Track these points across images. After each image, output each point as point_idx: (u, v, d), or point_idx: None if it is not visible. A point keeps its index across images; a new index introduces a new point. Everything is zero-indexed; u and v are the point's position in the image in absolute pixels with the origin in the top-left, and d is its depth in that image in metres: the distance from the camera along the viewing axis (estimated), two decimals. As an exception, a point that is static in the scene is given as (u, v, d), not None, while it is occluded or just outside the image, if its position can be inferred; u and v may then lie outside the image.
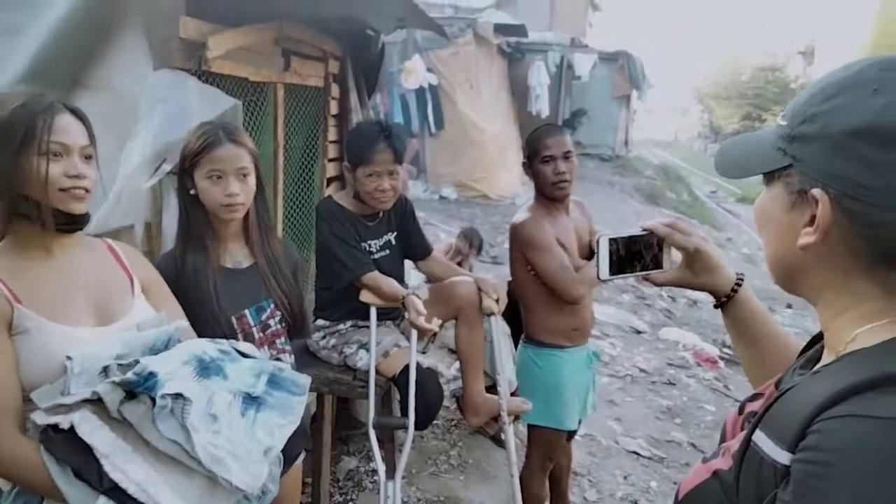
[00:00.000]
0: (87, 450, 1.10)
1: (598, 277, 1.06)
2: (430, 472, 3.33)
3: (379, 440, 2.36)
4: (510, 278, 2.58)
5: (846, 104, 0.68)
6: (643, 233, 1.05)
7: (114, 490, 1.09)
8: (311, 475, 2.94)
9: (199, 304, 1.68)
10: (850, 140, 0.66)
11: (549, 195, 2.38)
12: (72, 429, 1.11)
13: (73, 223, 1.26)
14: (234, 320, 1.76)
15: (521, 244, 2.38)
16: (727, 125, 39.04)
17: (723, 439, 0.88)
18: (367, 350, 2.36)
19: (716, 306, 1.06)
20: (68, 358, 1.18)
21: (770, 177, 0.77)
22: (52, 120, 1.20)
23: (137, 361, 1.16)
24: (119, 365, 1.17)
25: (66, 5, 2.11)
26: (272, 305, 1.85)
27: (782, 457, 0.65)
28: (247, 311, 1.80)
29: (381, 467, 2.27)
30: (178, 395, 1.13)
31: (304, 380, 1.37)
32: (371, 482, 3.18)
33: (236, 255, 1.83)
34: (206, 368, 1.20)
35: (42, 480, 1.13)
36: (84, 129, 1.27)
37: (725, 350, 5.77)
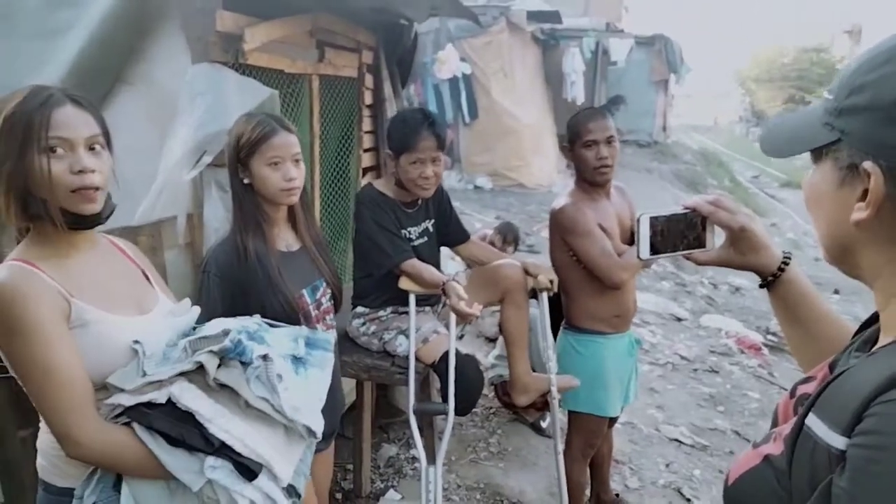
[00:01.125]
0: (187, 418, 1.18)
1: (638, 257, 1.04)
2: (470, 460, 3.34)
3: (419, 427, 2.38)
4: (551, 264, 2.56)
5: (895, 72, 0.65)
6: (686, 211, 1.03)
7: (220, 449, 1.19)
8: (353, 461, 2.98)
9: (267, 287, 1.75)
10: None
11: (591, 180, 2.35)
12: (169, 401, 1.18)
13: (85, 223, 1.24)
14: (295, 299, 1.82)
15: (562, 229, 2.36)
16: (769, 108, 37.99)
17: (774, 423, 0.85)
18: (407, 336, 2.38)
19: (762, 286, 1.03)
20: (136, 342, 1.24)
21: (818, 154, 0.75)
22: (50, 114, 1.15)
23: (228, 331, 1.26)
24: (196, 340, 1.27)
25: (108, 4, 2.17)
26: (325, 284, 1.94)
27: (837, 441, 0.63)
28: (304, 291, 1.86)
29: (422, 453, 2.28)
30: (264, 357, 1.25)
31: (332, 336, 1.52)
32: (412, 469, 3.21)
33: (287, 239, 1.89)
34: (253, 338, 1.29)
35: (137, 456, 1.18)
36: (90, 118, 1.21)
37: (770, 337, 5.64)
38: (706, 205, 1.02)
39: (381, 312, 2.50)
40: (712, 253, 1.05)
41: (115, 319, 1.26)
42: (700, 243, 1.05)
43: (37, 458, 1.32)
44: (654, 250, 1.04)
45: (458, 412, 2.28)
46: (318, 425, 1.32)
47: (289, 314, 1.75)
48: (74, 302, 1.20)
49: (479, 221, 7.38)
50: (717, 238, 1.05)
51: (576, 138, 2.34)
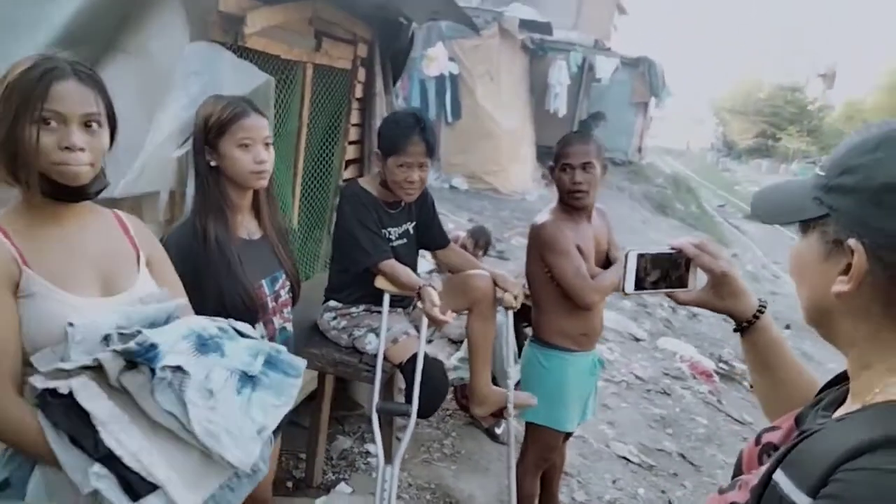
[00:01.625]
0: (84, 416, 1.10)
1: (623, 290, 1.09)
2: (423, 459, 3.37)
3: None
4: (524, 279, 2.60)
5: (886, 158, 0.70)
6: (672, 251, 1.08)
7: (108, 458, 1.09)
8: (306, 451, 2.99)
9: (226, 273, 1.71)
10: (888, 194, 0.69)
11: (567, 203, 2.40)
12: (70, 394, 1.11)
13: (65, 194, 1.22)
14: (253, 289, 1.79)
15: (540, 245, 2.40)
16: (741, 140, 38.94)
17: (738, 469, 0.90)
18: (377, 335, 2.39)
19: (735, 330, 1.08)
20: (70, 324, 1.17)
21: (806, 225, 0.80)
22: (49, 86, 1.14)
23: (139, 332, 1.15)
24: (120, 335, 1.16)
25: (105, -31, 2.13)
26: (284, 276, 1.91)
27: (803, 500, 0.66)
28: (263, 282, 1.84)
29: (381, 452, 2.30)
30: (177, 368, 1.12)
31: (301, 363, 1.36)
32: (364, 463, 3.23)
33: (249, 227, 1.86)
34: (204, 345, 1.20)
35: (37, 444, 1.13)
36: (92, 95, 1.20)
37: (721, 364, 5.81)
38: (692, 247, 1.07)
39: (354, 309, 2.51)
40: (693, 294, 1.09)
41: (64, 297, 1.21)
42: (682, 283, 1.09)
43: None
44: (639, 286, 1.08)
45: (420, 414, 2.31)
46: (243, 456, 1.15)
47: (246, 304, 1.72)
48: (25, 271, 1.18)
49: (452, 222, 7.41)
50: (699, 280, 1.09)
51: (556, 160, 2.39)
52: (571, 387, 2.52)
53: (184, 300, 1.39)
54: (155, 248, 1.46)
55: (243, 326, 1.37)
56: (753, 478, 0.77)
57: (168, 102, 2.10)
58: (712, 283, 1.07)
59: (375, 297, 2.42)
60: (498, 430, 3.70)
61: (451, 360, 3.94)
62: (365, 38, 3.45)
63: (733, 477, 0.88)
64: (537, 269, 2.47)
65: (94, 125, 1.20)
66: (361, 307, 2.49)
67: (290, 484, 2.98)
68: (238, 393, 1.19)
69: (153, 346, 1.12)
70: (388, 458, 2.33)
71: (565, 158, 2.34)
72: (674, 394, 4.94)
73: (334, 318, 2.51)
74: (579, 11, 15.77)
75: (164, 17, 2.25)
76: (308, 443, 2.95)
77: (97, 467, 1.08)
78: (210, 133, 1.73)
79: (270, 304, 1.85)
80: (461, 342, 4.28)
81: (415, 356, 2.34)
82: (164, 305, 1.31)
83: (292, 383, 1.30)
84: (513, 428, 2.52)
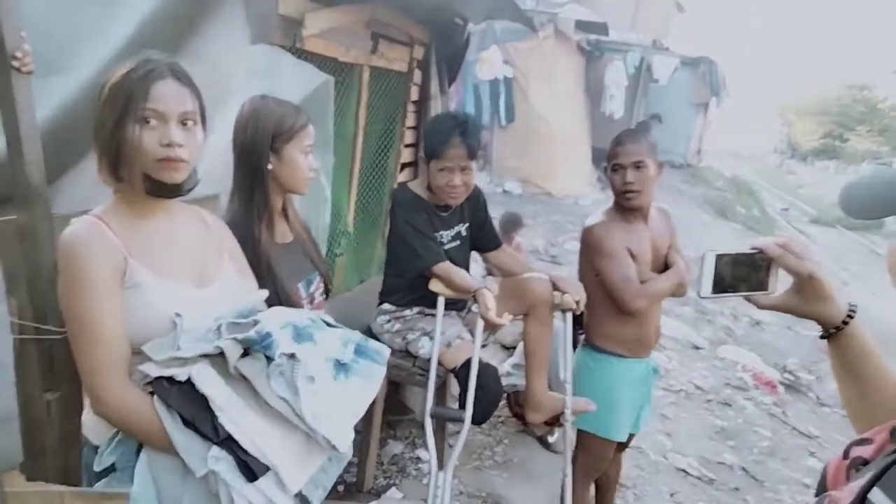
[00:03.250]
0: (201, 402, 1.15)
1: (698, 293, 1.02)
2: (474, 467, 3.33)
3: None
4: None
5: None
6: (753, 252, 1.01)
7: (226, 441, 1.14)
8: (358, 455, 2.98)
9: (270, 278, 1.67)
10: None
11: (619, 203, 2.32)
12: (188, 381, 1.15)
13: (164, 191, 1.27)
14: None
15: (589, 248, 2.34)
16: (806, 141, 37.51)
17: (823, 485, 0.83)
18: (431, 338, 2.37)
19: (823, 336, 1.01)
20: (177, 315, 1.22)
21: None
22: (150, 86, 1.20)
23: (256, 321, 1.21)
24: (231, 324, 1.21)
25: (170, -24, 2.17)
26: (318, 278, 1.89)
27: None
28: (300, 285, 1.82)
29: (433, 458, 2.27)
30: (291, 356, 1.18)
31: (386, 350, 1.41)
32: (415, 469, 3.20)
33: (283, 230, 1.85)
34: (300, 334, 1.24)
35: (153, 429, 1.16)
36: (187, 94, 1.25)
37: (787, 375, 5.56)
38: (775, 247, 0.99)
39: (407, 312, 2.49)
40: (775, 297, 1.02)
41: (166, 287, 1.26)
42: (763, 286, 1.02)
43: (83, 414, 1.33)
44: (716, 289, 1.01)
45: (474, 421, 2.27)
46: (343, 438, 1.22)
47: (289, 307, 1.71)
48: (131, 262, 1.23)
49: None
50: (781, 282, 1.02)
51: (608, 160, 2.32)
52: (622, 394, 2.44)
53: (265, 292, 1.43)
54: (232, 242, 1.51)
55: (328, 317, 1.41)
56: (845, 495, 0.71)
57: (229, 105, 2.13)
58: (797, 285, 0.99)
59: (429, 300, 2.39)
60: (551, 439, 3.63)
61: (504, 365, 3.88)
62: (421, 41, 3.44)
63: (817, 493, 0.82)
64: (588, 272, 2.41)
65: (190, 123, 1.26)
66: (415, 310, 2.47)
67: (340, 488, 2.98)
68: (334, 379, 1.24)
69: (269, 335, 1.18)
70: (441, 465, 2.30)
71: (616, 158, 2.27)
72: (735, 405, 4.75)
73: (388, 321, 2.50)
74: (636, 11, 15.48)
75: (224, 21, 2.29)
76: (360, 447, 2.95)
77: (216, 450, 1.13)
78: (281, 136, 1.71)
79: (307, 307, 1.84)
80: (514, 348, 4.21)
81: (469, 361, 2.30)
82: (251, 297, 1.37)
83: (380, 369, 1.35)
84: (570, 436, 2.45)
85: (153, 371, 1.18)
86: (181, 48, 2.31)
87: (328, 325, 1.36)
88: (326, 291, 1.95)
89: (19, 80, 1.54)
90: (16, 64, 1.53)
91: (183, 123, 1.24)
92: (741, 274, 1.01)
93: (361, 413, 1.27)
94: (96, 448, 1.28)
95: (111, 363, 1.18)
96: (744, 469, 3.88)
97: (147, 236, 1.28)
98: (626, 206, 2.31)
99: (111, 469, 1.23)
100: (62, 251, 1.20)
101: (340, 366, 1.27)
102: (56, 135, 2.09)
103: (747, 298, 1.04)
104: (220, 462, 1.13)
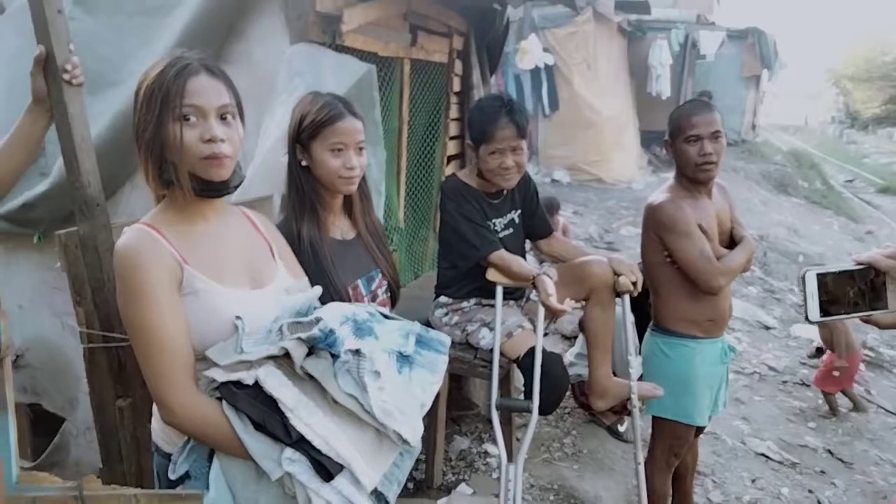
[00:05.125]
0: (270, 404, 1.13)
1: (806, 318, 0.93)
2: (543, 459, 3.27)
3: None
4: (639, 261, 2.44)
5: None
6: (859, 267, 0.92)
7: (299, 442, 1.12)
8: (425, 452, 2.96)
9: (318, 275, 1.64)
10: None
11: (692, 177, 2.21)
12: (256, 384, 1.14)
13: (213, 189, 1.24)
14: (349, 290, 1.75)
15: (659, 226, 2.24)
16: (866, 109, 35.82)
17: None
18: (491, 329, 2.31)
19: None
20: (238, 318, 1.20)
21: None
22: (185, 83, 1.17)
23: (319, 319, 1.18)
24: (293, 324, 1.19)
25: (210, -18, 2.20)
26: (380, 275, 1.85)
27: None
28: (359, 282, 1.79)
29: (503, 450, 2.22)
30: (357, 352, 1.15)
31: (447, 339, 1.35)
32: (483, 464, 3.16)
33: (342, 227, 1.81)
34: (360, 329, 1.21)
35: (223, 434, 1.15)
36: (223, 88, 1.22)
37: (866, 352, 5.27)
38: (884, 259, 0.92)
39: (465, 303, 2.44)
40: None
41: (224, 291, 1.24)
42: (879, 303, 0.94)
43: (152, 422, 1.34)
44: (825, 311, 0.92)
45: (541, 411, 2.20)
46: (413, 432, 1.19)
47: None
48: (187, 269, 1.21)
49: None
50: None
51: (678, 132, 2.20)
52: (699, 377, 2.34)
53: (319, 288, 1.39)
54: (281, 241, 1.48)
55: (385, 310, 1.38)
56: None
57: (274, 106, 2.13)
58: None
59: (486, 291, 2.34)
60: (621, 428, 3.53)
61: (567, 355, 3.80)
62: (460, 30, 3.40)
63: None
64: (655, 252, 2.31)
65: (229, 117, 1.23)
66: (472, 301, 2.42)
67: (410, 485, 2.96)
68: (399, 372, 1.21)
69: (332, 332, 1.15)
70: (510, 458, 2.24)
71: (692, 129, 2.16)
72: (814, 385, 4.53)
73: (446, 313, 2.46)
74: (678, -13, 15.04)
75: (264, 23, 2.30)
76: (427, 444, 2.92)
77: (289, 452, 1.11)
78: (303, 133, 1.69)
79: (368, 304, 1.81)
80: (575, 337, 4.12)
81: (532, 350, 2.23)
82: (306, 295, 1.34)
83: (443, 359, 1.31)
84: (638, 422, 2.36)
85: (219, 376, 1.16)
86: (223, 53, 2.34)
87: (386, 317, 1.33)
88: (391, 290, 1.90)
89: (71, 93, 1.57)
90: (66, 77, 1.55)
91: (222, 118, 1.21)
92: (850, 292, 0.93)
93: (429, 405, 1.24)
94: (167, 455, 1.28)
95: (176, 371, 1.17)
96: (829, 451, 3.70)
97: (199, 241, 1.26)
98: (702, 179, 2.21)
99: (185, 476, 1.23)
100: (117, 262, 1.19)
101: (404, 358, 1.23)
102: (110, 148, 2.14)
103: (865, 320, 0.94)
104: (294, 464, 1.11)
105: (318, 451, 1.12)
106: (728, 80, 13.00)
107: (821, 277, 0.92)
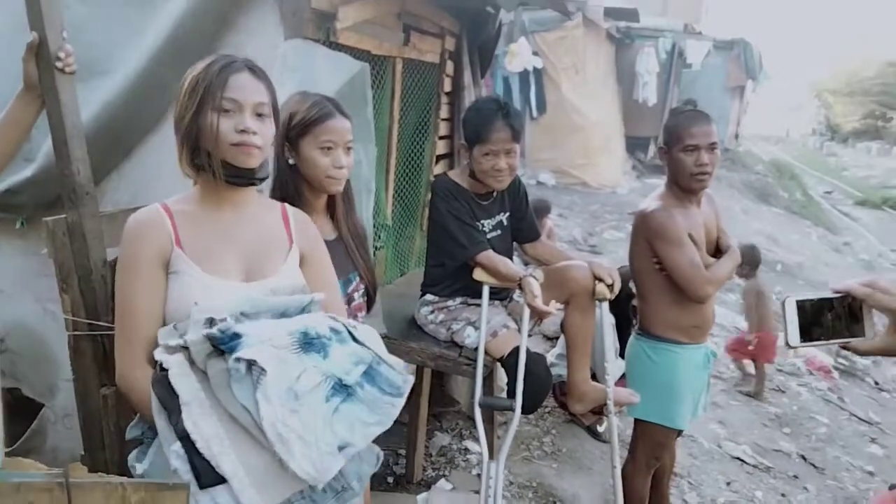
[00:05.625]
0: (175, 394, 1.12)
1: (787, 344, 0.96)
2: (523, 457, 3.29)
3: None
4: (621, 265, 2.47)
5: None
6: (837, 295, 0.95)
7: (185, 439, 1.08)
8: (406, 447, 2.98)
9: None
10: None
11: (686, 186, 2.25)
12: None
13: (241, 176, 1.31)
14: None
15: (650, 234, 2.27)
16: (846, 123, 36.37)
17: None
18: (476, 328, 2.33)
19: None
20: (195, 304, 1.21)
21: None
22: (228, 77, 1.26)
23: (224, 319, 1.13)
24: (220, 319, 1.13)
25: (204, -25, 2.19)
26: (358, 278, 1.85)
27: None
28: None
29: (484, 448, 2.24)
30: (252, 362, 1.07)
31: (405, 384, 1.25)
32: (463, 460, 3.18)
33: (323, 228, 1.79)
34: (308, 343, 1.14)
35: (143, 408, 1.21)
36: (261, 87, 1.31)
37: (840, 360, 5.38)
38: (861, 288, 0.94)
39: (451, 302, 2.46)
40: (876, 341, 0.96)
41: (202, 277, 1.28)
42: (858, 331, 0.96)
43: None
44: (805, 338, 0.95)
45: (524, 410, 2.22)
46: (311, 468, 1.05)
47: None
48: (176, 250, 1.28)
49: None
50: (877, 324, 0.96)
51: (675, 141, 2.23)
52: (683, 381, 2.38)
53: (321, 295, 1.35)
54: (315, 245, 1.50)
55: (364, 332, 1.28)
56: None
57: (266, 100, 2.13)
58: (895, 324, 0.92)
59: (472, 290, 2.36)
60: (600, 428, 3.57)
61: (548, 356, 3.84)
62: (452, 31, 3.42)
63: None
64: (644, 259, 2.34)
65: (263, 114, 1.31)
66: (458, 300, 2.44)
67: (390, 480, 2.98)
68: (326, 401, 1.11)
69: (236, 336, 1.09)
70: (492, 455, 2.27)
71: (691, 139, 2.18)
72: (789, 391, 4.63)
73: (431, 311, 2.47)
74: (667, -4, 15.20)
75: (258, 17, 2.30)
76: (408, 439, 2.94)
77: (177, 446, 1.10)
78: (292, 131, 1.69)
79: (344, 308, 1.81)
80: (557, 338, 4.16)
81: (515, 350, 2.26)
82: (297, 297, 1.31)
83: (389, 402, 1.19)
84: (615, 426, 2.39)
85: (157, 355, 1.19)
86: (216, 46, 2.32)
87: (355, 340, 1.24)
88: (368, 294, 1.89)
89: (63, 81, 1.56)
90: (59, 65, 1.54)
91: (258, 115, 1.30)
92: (829, 319, 0.95)
93: (355, 448, 1.13)
94: None
95: (132, 338, 1.25)
96: (802, 456, 3.77)
97: (205, 226, 1.33)
98: (695, 188, 2.25)
99: (138, 441, 1.29)
100: (123, 234, 1.30)
101: (342, 387, 1.13)
102: (97, 137, 2.13)
103: (844, 347, 0.98)
104: (178, 459, 1.08)
105: (199, 455, 1.06)
106: (713, 90, 13.14)
107: (800, 304, 0.95)
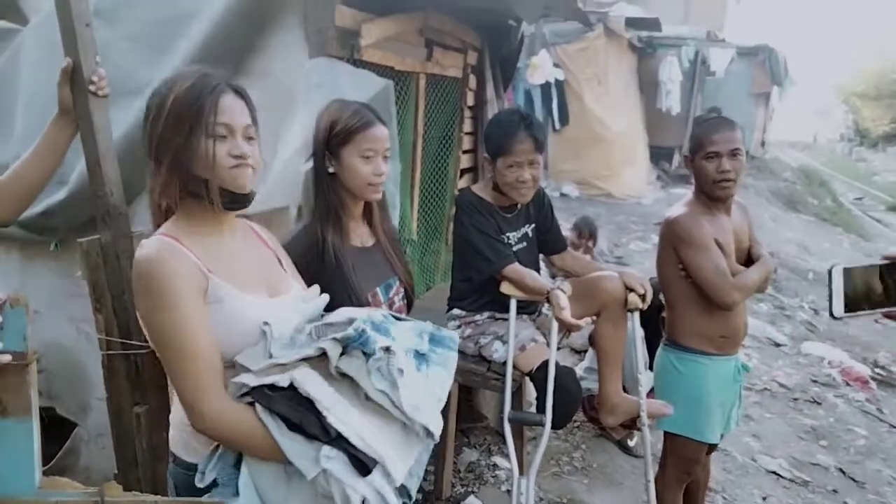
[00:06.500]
0: (306, 405, 1.15)
1: (830, 314, 0.94)
2: (553, 473, 3.25)
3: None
4: (650, 276, 2.44)
5: None
6: (886, 262, 0.93)
7: (336, 440, 1.14)
8: (434, 463, 2.96)
9: (340, 282, 1.67)
10: None
11: (710, 193, 2.22)
12: (291, 386, 1.16)
13: (238, 201, 1.27)
14: (369, 297, 1.76)
15: (675, 240, 2.24)
16: (875, 127, 35.72)
17: None
18: (504, 342, 2.32)
19: None
20: (265, 324, 1.22)
21: None
22: (218, 101, 1.21)
23: (353, 320, 1.22)
24: (320, 326, 1.23)
25: (231, -6, 2.22)
26: (398, 282, 1.86)
27: None
28: (378, 289, 1.80)
29: (515, 463, 2.22)
30: (387, 349, 1.18)
31: (455, 335, 1.40)
32: (492, 476, 3.15)
33: (362, 234, 1.83)
34: (378, 329, 1.23)
35: (256, 438, 1.16)
36: (246, 108, 1.27)
37: (878, 370, 5.24)
38: None
39: (478, 316, 2.45)
40: None
41: (247, 298, 1.26)
42: None
43: (169, 431, 1.34)
44: (850, 307, 0.93)
45: (554, 425, 2.20)
46: (437, 426, 1.23)
47: None
48: (212, 278, 1.22)
49: (566, 231, 7.24)
50: None
51: (698, 149, 2.21)
52: (712, 394, 2.32)
53: (326, 297, 1.42)
54: (284, 255, 1.51)
55: (396, 314, 1.40)
56: None
57: (293, 119, 2.16)
58: None
59: (499, 304, 2.35)
60: (630, 443, 3.51)
61: (577, 369, 3.80)
62: (474, 46, 3.43)
63: None
64: (670, 266, 2.31)
65: (251, 136, 1.27)
66: (486, 314, 2.43)
67: (419, 496, 2.96)
68: (417, 370, 1.25)
69: (364, 332, 1.19)
70: (522, 471, 2.24)
71: (712, 146, 2.16)
72: (825, 402, 4.50)
73: (458, 326, 2.46)
74: (688, 4, 15.12)
75: (283, 37, 2.33)
76: (436, 455, 2.92)
77: (327, 449, 1.13)
78: (334, 139, 1.69)
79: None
80: (585, 351, 4.12)
81: (544, 364, 2.24)
82: (318, 302, 1.38)
83: (454, 356, 1.35)
84: (648, 439, 2.35)
85: (251, 381, 1.17)
86: (243, 67, 2.36)
87: (396, 318, 1.35)
88: (408, 296, 1.91)
89: (96, 104, 1.60)
90: (92, 88, 1.58)
91: (248, 137, 1.26)
92: (876, 288, 0.93)
93: (444, 398, 1.28)
94: (186, 464, 1.28)
95: (208, 378, 1.18)
96: (841, 470, 3.66)
97: (218, 251, 1.29)
98: (720, 196, 2.21)
99: (213, 485, 1.23)
100: (141, 272, 1.19)
101: (420, 356, 1.28)
102: (125, 157, 2.16)
103: (888, 315, 0.95)
104: (332, 461, 1.13)
105: (355, 448, 1.14)
106: (738, 97, 12.98)
107: (847, 273, 0.93)
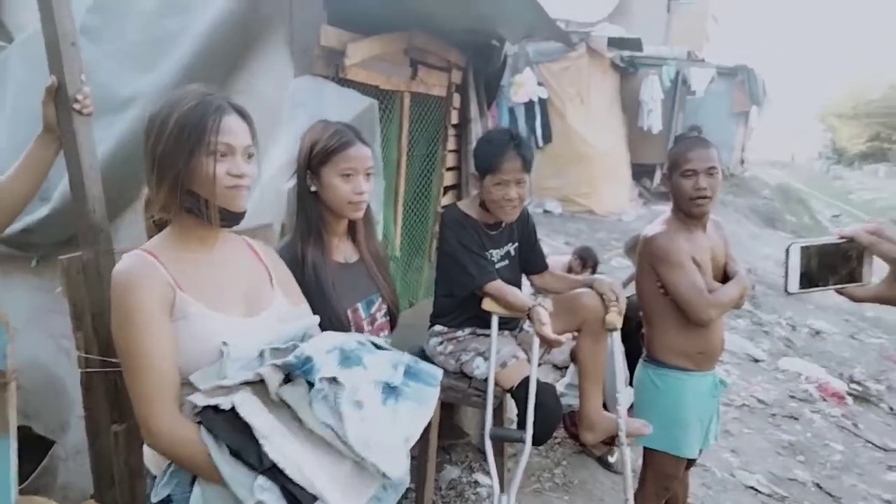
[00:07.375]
0: (246, 431, 1.12)
1: (785, 290, 0.97)
2: (534, 489, 3.26)
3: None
4: (631, 293, 2.48)
5: None
6: (841, 241, 0.96)
7: (271, 470, 1.10)
8: (416, 481, 2.94)
9: (319, 297, 1.69)
10: None
11: (687, 211, 2.26)
12: (233, 409, 1.13)
13: (233, 219, 1.31)
14: (349, 313, 1.78)
15: (652, 257, 2.28)
16: (852, 146, 36.45)
17: None
18: (485, 358, 2.34)
19: None
20: (224, 343, 1.22)
21: None
22: (220, 121, 1.24)
23: (296, 346, 1.19)
24: (273, 350, 1.20)
25: (217, 14, 2.24)
26: (380, 299, 1.88)
27: None
28: (359, 305, 1.82)
29: (495, 480, 2.23)
30: (333, 380, 1.14)
31: (438, 372, 1.35)
32: (473, 493, 3.15)
33: (345, 251, 1.86)
34: (347, 358, 1.20)
35: (200, 459, 1.15)
36: (248, 129, 1.31)
37: (854, 385, 5.32)
38: (866, 234, 0.94)
39: (460, 332, 2.47)
40: (871, 288, 0.97)
41: (215, 317, 1.26)
42: (855, 277, 0.97)
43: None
44: (804, 283, 0.96)
45: (535, 441, 2.22)
46: (394, 465, 1.15)
47: (336, 329, 1.67)
48: (179, 294, 1.24)
49: (548, 246, 7.29)
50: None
51: (674, 166, 2.26)
52: (689, 409, 2.36)
53: (317, 318, 1.42)
54: (281, 268, 1.52)
55: (379, 340, 1.38)
56: None
57: (277, 136, 2.17)
58: (894, 274, 0.94)
59: (481, 320, 2.37)
60: (611, 459, 3.53)
61: (558, 386, 3.81)
62: (458, 65, 3.47)
63: None
64: (649, 283, 2.35)
65: (250, 156, 1.31)
66: (467, 330, 2.45)
67: (401, 513, 2.94)
68: (384, 404, 1.19)
69: (309, 359, 1.15)
70: (503, 487, 2.25)
71: (688, 164, 2.21)
72: (802, 418, 4.56)
73: (441, 342, 2.48)
74: (669, 25, 15.38)
75: (268, 56, 2.35)
76: (417, 473, 2.91)
77: (261, 480, 1.10)
78: (314, 159, 1.74)
79: (367, 328, 1.83)
80: (566, 368, 4.14)
81: (525, 381, 2.26)
82: (302, 322, 1.36)
83: (432, 393, 1.29)
84: (628, 457, 2.37)
85: (200, 400, 1.16)
86: (229, 85, 2.37)
87: (378, 347, 1.33)
88: (391, 313, 1.93)
89: (80, 122, 1.60)
90: (77, 107, 1.59)
91: (249, 156, 1.30)
92: (830, 266, 0.96)
93: (415, 438, 1.22)
94: (155, 478, 1.28)
95: (160, 393, 1.18)
96: (818, 485, 3.71)
97: (197, 267, 1.30)
98: (696, 213, 2.25)
99: (168, 500, 1.23)
100: (113, 286, 1.22)
101: (390, 389, 1.22)
102: (109, 175, 2.16)
103: (839, 292, 0.98)
104: (266, 492, 1.09)
105: (291, 480, 1.10)
106: (718, 116, 13.24)
107: (804, 250, 0.96)
